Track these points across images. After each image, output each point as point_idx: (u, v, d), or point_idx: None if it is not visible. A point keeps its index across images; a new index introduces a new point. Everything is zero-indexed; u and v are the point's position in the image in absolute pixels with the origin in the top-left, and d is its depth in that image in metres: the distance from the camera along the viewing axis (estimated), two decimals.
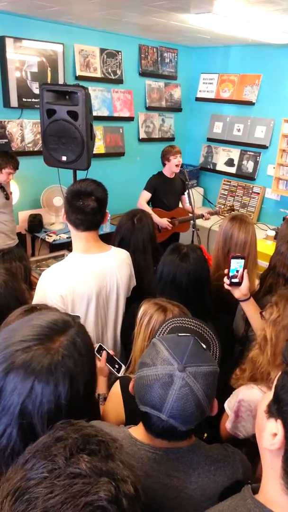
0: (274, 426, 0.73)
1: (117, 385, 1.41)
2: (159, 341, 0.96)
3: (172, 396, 0.86)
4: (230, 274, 1.75)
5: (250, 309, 1.78)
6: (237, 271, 1.75)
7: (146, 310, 1.45)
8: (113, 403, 1.39)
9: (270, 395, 0.78)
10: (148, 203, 4.12)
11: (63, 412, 0.80)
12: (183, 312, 1.43)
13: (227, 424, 1.40)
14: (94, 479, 0.54)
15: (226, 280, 1.76)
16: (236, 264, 1.74)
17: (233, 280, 1.75)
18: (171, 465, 0.97)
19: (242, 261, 1.75)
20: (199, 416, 0.90)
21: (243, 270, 1.75)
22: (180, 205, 4.24)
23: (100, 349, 1.66)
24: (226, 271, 1.76)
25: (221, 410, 1.48)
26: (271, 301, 1.48)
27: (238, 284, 1.75)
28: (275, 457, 0.74)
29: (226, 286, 1.77)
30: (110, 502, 0.53)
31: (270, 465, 0.76)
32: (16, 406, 0.75)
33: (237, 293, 1.77)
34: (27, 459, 0.58)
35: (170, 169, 4.03)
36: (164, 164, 4.06)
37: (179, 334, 1.00)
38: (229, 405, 1.42)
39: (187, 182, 3.93)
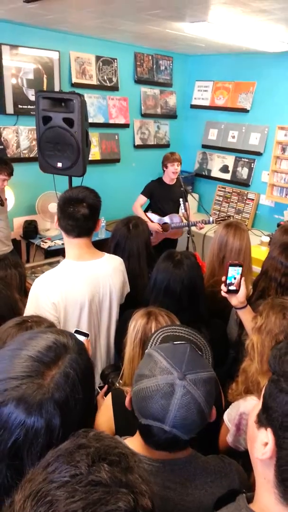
0: (265, 435, 0.73)
1: (109, 398, 1.40)
2: (155, 351, 0.95)
3: (174, 405, 0.85)
4: (228, 281, 1.75)
5: (246, 317, 1.78)
6: (235, 279, 1.75)
7: (133, 317, 1.45)
8: (105, 416, 1.38)
9: (259, 404, 0.78)
10: (147, 208, 4.14)
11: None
12: (170, 317, 1.42)
13: (228, 438, 1.38)
14: (114, 489, 0.55)
15: (223, 287, 1.76)
16: (234, 272, 1.75)
17: (230, 288, 1.75)
18: (168, 477, 0.96)
19: (240, 268, 1.75)
20: (201, 423, 0.89)
21: (241, 278, 1.75)
22: (180, 212, 4.23)
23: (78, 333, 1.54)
24: (223, 278, 1.76)
25: (218, 420, 1.48)
26: (258, 310, 1.49)
27: (235, 291, 1.75)
28: (267, 467, 0.73)
29: (223, 294, 1.77)
30: None
31: (263, 475, 0.75)
32: (6, 444, 0.74)
33: (234, 300, 1.77)
34: (49, 463, 0.58)
35: (169, 176, 4.06)
36: (163, 170, 4.09)
37: (175, 343, 0.99)
38: (229, 418, 1.41)
39: (182, 188, 3.95)
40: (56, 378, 0.79)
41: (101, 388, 1.67)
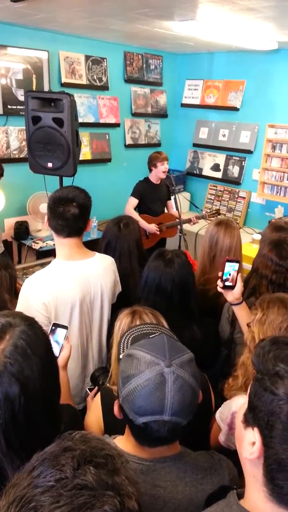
0: (252, 435, 0.73)
1: (98, 397, 1.40)
2: (134, 349, 0.95)
3: (169, 393, 0.87)
4: (224, 277, 1.76)
5: (242, 313, 1.79)
6: (230, 275, 1.76)
7: (118, 316, 1.45)
8: (95, 414, 1.38)
9: (245, 404, 0.78)
10: (135, 209, 4.13)
11: (20, 422, 0.81)
12: (154, 315, 1.42)
13: (221, 437, 1.39)
14: (99, 492, 0.54)
15: (219, 283, 1.76)
16: (230, 268, 1.76)
17: (227, 284, 1.76)
18: (158, 475, 0.96)
19: (237, 264, 1.76)
20: (196, 403, 0.92)
21: (237, 274, 1.76)
22: (166, 211, 4.26)
23: (56, 326, 1.53)
24: (220, 274, 1.77)
25: (210, 418, 1.48)
26: (255, 304, 1.50)
27: (232, 287, 1.76)
28: (255, 466, 0.74)
29: (219, 289, 1.78)
30: None
31: (252, 474, 0.75)
32: None
33: (230, 296, 1.78)
34: (35, 466, 0.58)
35: (157, 175, 4.05)
36: (150, 170, 4.07)
37: (150, 336, 1.01)
38: (222, 417, 1.41)
39: (173, 187, 3.95)
40: (4, 350, 0.84)
41: (91, 390, 1.66)
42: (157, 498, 0.95)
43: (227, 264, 1.75)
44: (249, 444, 0.73)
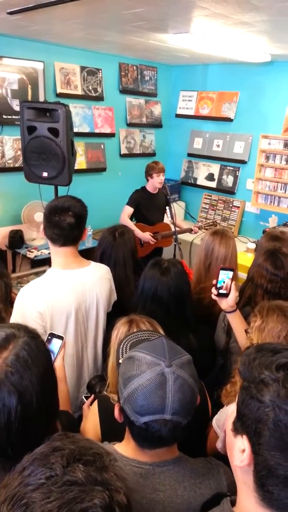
0: (241, 442, 0.74)
1: (95, 405, 1.40)
2: (135, 351, 0.97)
3: (170, 392, 0.89)
4: (218, 285, 1.77)
5: (236, 321, 1.79)
6: (224, 282, 1.77)
7: (115, 325, 1.46)
8: (92, 422, 1.38)
9: (234, 412, 0.79)
10: (131, 218, 4.14)
11: (15, 430, 0.82)
12: (151, 324, 1.43)
13: (218, 444, 1.39)
14: (89, 487, 0.56)
15: (213, 290, 1.77)
16: (224, 276, 1.77)
17: (221, 291, 1.77)
18: (158, 479, 0.97)
19: (231, 272, 1.77)
20: (195, 403, 0.95)
21: (231, 282, 1.77)
22: (166, 220, 4.26)
23: (52, 336, 1.55)
24: (214, 282, 1.78)
25: (207, 425, 1.48)
26: (254, 312, 1.50)
27: (226, 295, 1.77)
28: (246, 473, 0.74)
29: (213, 297, 1.79)
30: (104, 509, 0.55)
31: (243, 481, 0.76)
32: None
33: (224, 304, 1.79)
34: (25, 467, 0.59)
35: (153, 185, 4.08)
36: (147, 180, 4.11)
37: (150, 339, 1.03)
38: (218, 423, 1.41)
39: (168, 197, 3.97)
40: (6, 359, 0.87)
41: (87, 398, 1.65)
42: (157, 502, 0.95)
43: (221, 272, 1.77)
44: (239, 451, 0.74)
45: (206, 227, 4.19)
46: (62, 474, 0.57)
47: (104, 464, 0.61)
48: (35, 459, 0.60)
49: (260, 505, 0.73)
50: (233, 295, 1.77)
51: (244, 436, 0.74)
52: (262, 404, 0.71)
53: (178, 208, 4.97)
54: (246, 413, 0.74)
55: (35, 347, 0.92)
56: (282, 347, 0.77)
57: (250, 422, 0.72)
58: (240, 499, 0.78)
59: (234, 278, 2.02)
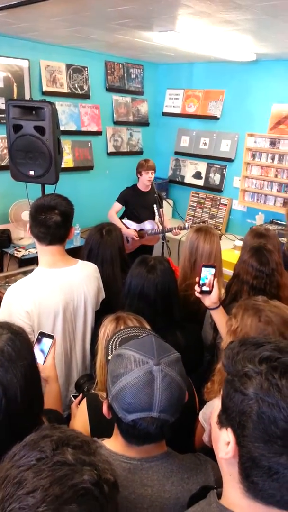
0: (226, 435, 0.75)
1: (83, 403, 1.40)
2: (124, 349, 0.98)
3: (158, 390, 0.90)
4: (201, 282, 1.79)
5: (219, 317, 1.82)
6: (207, 279, 1.79)
7: (103, 323, 1.46)
8: (81, 419, 1.38)
9: (219, 405, 0.80)
10: (123, 215, 4.16)
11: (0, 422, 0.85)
12: (138, 321, 1.44)
13: (205, 437, 1.40)
14: (78, 467, 0.60)
15: (196, 288, 1.79)
16: (207, 272, 1.79)
17: (204, 288, 1.79)
18: (146, 474, 0.98)
19: (213, 269, 1.79)
20: (182, 401, 0.96)
21: (214, 279, 1.79)
22: (157, 218, 4.25)
23: (43, 335, 1.55)
24: (197, 279, 1.79)
25: (195, 420, 1.49)
26: (232, 312, 1.51)
27: (208, 292, 1.79)
28: (231, 465, 0.76)
29: (196, 294, 1.81)
30: (93, 484, 0.59)
31: (228, 473, 0.78)
32: None
33: (207, 301, 1.81)
34: (16, 453, 0.62)
35: (143, 183, 4.09)
36: (138, 177, 4.12)
37: (139, 337, 1.04)
38: (205, 417, 1.43)
39: (156, 195, 3.98)
40: None
41: (75, 397, 1.66)
42: (145, 497, 0.96)
43: (204, 269, 1.79)
44: (224, 444, 0.75)
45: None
46: (52, 456, 0.60)
47: (91, 450, 0.64)
48: (25, 445, 0.63)
49: (245, 496, 0.74)
50: (216, 292, 1.79)
51: (229, 429, 0.75)
52: (245, 396, 0.72)
53: (165, 206, 4.97)
54: (230, 406, 0.75)
55: (19, 343, 0.95)
56: (264, 341, 0.79)
57: (234, 414, 0.74)
58: (225, 491, 0.80)
59: (218, 274, 2.04)
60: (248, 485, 0.73)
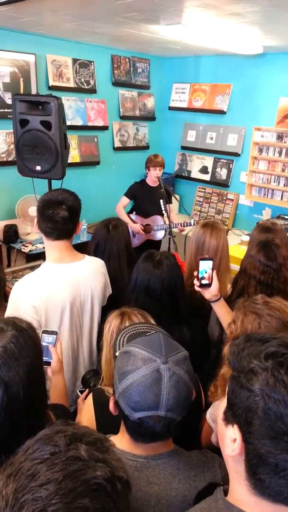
0: (232, 432, 0.75)
1: (90, 398, 1.41)
2: (131, 346, 0.97)
3: (165, 388, 0.89)
4: (200, 275, 1.78)
5: (221, 309, 1.81)
6: (206, 272, 1.78)
7: (107, 319, 1.46)
8: (87, 415, 1.38)
9: (225, 402, 0.79)
10: (131, 210, 4.15)
11: (1, 421, 0.86)
12: (143, 316, 1.43)
13: (213, 438, 1.40)
14: (91, 463, 0.60)
15: (196, 282, 1.79)
16: (205, 266, 1.78)
17: (203, 282, 1.78)
18: (152, 472, 0.98)
19: (211, 262, 1.79)
20: (190, 400, 0.95)
21: (212, 271, 1.78)
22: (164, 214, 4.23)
23: (46, 333, 1.56)
24: (195, 273, 1.79)
25: (201, 418, 1.49)
26: (233, 317, 1.47)
27: (208, 285, 1.79)
28: (237, 462, 0.76)
29: (196, 288, 1.80)
30: (106, 481, 0.59)
31: (235, 470, 0.77)
32: None
33: (208, 294, 1.80)
34: (29, 447, 0.62)
35: (151, 178, 4.08)
36: (147, 172, 4.11)
37: (147, 334, 1.03)
38: (213, 417, 1.42)
39: (162, 190, 3.97)
40: None
41: (81, 392, 1.67)
42: (151, 494, 0.96)
43: (201, 262, 1.78)
44: (230, 441, 0.75)
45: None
46: (65, 450, 0.60)
47: (104, 447, 0.64)
48: (39, 439, 0.63)
49: (252, 493, 0.74)
50: (216, 284, 1.78)
51: (235, 426, 0.75)
52: (251, 393, 0.72)
53: (172, 201, 4.96)
54: (236, 402, 0.74)
55: (23, 340, 0.96)
56: (270, 336, 0.78)
57: (241, 411, 0.73)
58: (232, 488, 0.79)
59: (225, 269, 2.02)
60: (255, 482, 0.73)
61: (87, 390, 1.63)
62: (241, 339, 0.80)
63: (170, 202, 4.11)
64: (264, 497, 0.73)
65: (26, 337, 0.98)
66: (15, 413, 0.89)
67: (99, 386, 1.48)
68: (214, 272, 1.79)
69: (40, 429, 0.89)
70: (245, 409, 0.72)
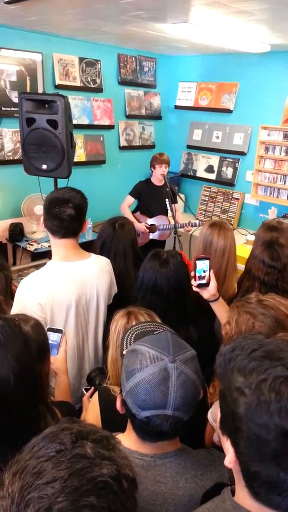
0: (227, 443, 0.75)
1: (95, 396, 1.41)
2: (139, 345, 0.97)
3: (173, 387, 0.89)
4: (197, 275, 1.77)
5: (220, 309, 1.81)
6: (204, 272, 1.77)
7: (114, 318, 1.46)
8: (92, 413, 1.38)
9: (219, 413, 0.79)
10: (136, 209, 4.15)
11: None
12: (150, 316, 1.43)
13: (215, 437, 1.39)
14: (97, 460, 0.59)
15: (193, 282, 1.78)
16: (203, 265, 1.77)
17: (201, 282, 1.77)
18: (159, 471, 0.97)
19: (208, 261, 1.77)
20: (197, 398, 0.95)
21: (210, 271, 1.77)
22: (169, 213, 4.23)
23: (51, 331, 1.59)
24: (192, 273, 1.78)
25: (204, 418, 1.49)
26: (228, 318, 1.45)
27: (206, 285, 1.77)
28: (236, 471, 0.76)
29: (194, 289, 1.79)
30: (112, 479, 0.58)
31: (236, 476, 0.77)
32: None
33: (206, 294, 1.79)
34: (35, 444, 0.62)
35: (156, 177, 4.06)
36: (152, 171, 4.10)
37: (154, 333, 1.03)
38: (214, 417, 1.41)
39: (168, 189, 3.96)
40: None
41: (87, 390, 1.67)
42: (158, 493, 0.96)
43: (198, 262, 1.76)
44: (227, 453, 0.75)
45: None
46: (71, 448, 0.60)
47: (110, 445, 0.64)
48: (45, 437, 0.63)
49: (253, 498, 0.74)
50: (213, 284, 1.77)
51: (228, 440, 0.74)
52: (237, 415, 0.71)
53: (178, 200, 4.95)
54: (226, 420, 0.74)
55: (9, 329, 1.00)
56: (257, 343, 0.76)
57: (230, 430, 0.73)
58: (237, 489, 0.79)
59: (232, 269, 2.00)
60: (254, 492, 0.72)
61: (92, 388, 1.63)
62: (227, 349, 0.79)
63: (175, 201, 4.07)
64: (265, 505, 0.72)
65: (13, 327, 1.02)
66: (7, 401, 0.92)
67: (104, 385, 1.48)
68: (212, 271, 1.78)
69: (35, 424, 0.93)
70: (233, 430, 0.72)
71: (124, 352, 1.03)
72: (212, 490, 0.89)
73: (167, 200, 3.71)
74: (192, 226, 3.97)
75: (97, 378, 1.66)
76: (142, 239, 4.08)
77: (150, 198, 4.11)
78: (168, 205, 3.75)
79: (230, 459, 0.73)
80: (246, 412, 0.69)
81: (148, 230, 4.08)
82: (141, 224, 4.05)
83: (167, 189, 3.78)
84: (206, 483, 0.99)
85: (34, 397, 1.02)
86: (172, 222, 3.94)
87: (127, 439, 1.00)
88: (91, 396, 1.55)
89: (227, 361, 0.76)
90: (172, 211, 3.75)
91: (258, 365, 0.71)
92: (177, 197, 4.07)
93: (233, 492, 0.81)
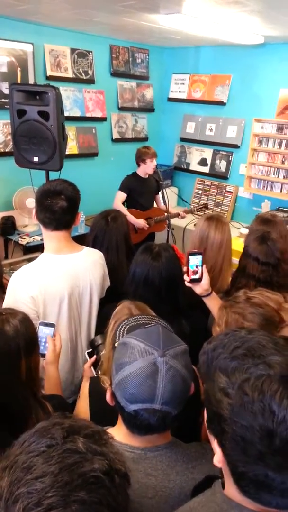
0: (214, 443, 0.75)
1: (86, 386, 1.41)
2: (130, 338, 0.96)
3: (161, 382, 0.88)
4: (190, 270, 1.76)
5: (213, 303, 1.80)
6: (197, 267, 1.77)
7: (116, 313, 1.44)
8: (83, 403, 1.38)
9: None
10: (124, 204, 4.12)
11: None
12: (147, 311, 1.42)
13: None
14: (89, 455, 0.59)
15: (186, 277, 1.77)
16: (195, 260, 1.76)
17: (193, 277, 1.76)
18: (150, 463, 0.97)
19: (200, 256, 1.77)
20: (187, 393, 0.94)
21: (202, 266, 1.77)
22: (155, 205, 4.26)
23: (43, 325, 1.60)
24: (185, 268, 1.77)
25: (200, 411, 1.49)
26: (217, 319, 1.44)
27: (199, 280, 1.77)
28: (225, 469, 0.75)
29: (187, 284, 1.78)
30: (104, 474, 0.58)
31: (225, 472, 0.77)
32: None
33: (198, 289, 1.79)
34: (25, 439, 0.61)
35: (145, 170, 4.04)
36: (138, 165, 4.07)
37: (146, 326, 1.02)
38: None
39: (161, 182, 3.95)
40: None
41: (89, 355, 1.63)
42: (148, 486, 0.96)
43: (191, 257, 1.76)
44: (215, 452, 0.74)
45: (198, 210, 4.17)
46: (62, 443, 0.59)
47: (102, 440, 0.64)
48: (36, 432, 0.62)
49: (243, 494, 0.73)
50: (206, 279, 1.76)
51: (215, 440, 0.74)
52: (222, 417, 0.70)
53: (171, 193, 4.94)
54: (212, 421, 0.74)
55: None
56: (240, 342, 0.75)
57: (216, 431, 0.73)
58: (227, 483, 0.79)
59: (228, 265, 1.99)
60: (242, 488, 0.72)
61: (94, 357, 1.60)
62: (210, 347, 0.78)
63: (157, 192, 4.15)
64: (255, 501, 0.72)
65: None
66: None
67: (99, 372, 1.47)
68: (205, 266, 1.77)
69: (20, 415, 0.95)
70: (219, 431, 0.71)
71: (116, 344, 1.03)
72: (203, 483, 0.89)
73: (159, 193, 3.71)
74: (187, 212, 4.04)
75: (102, 347, 1.62)
76: (141, 235, 4.06)
77: (139, 191, 4.10)
78: (160, 198, 3.74)
79: (218, 458, 0.73)
80: (230, 413, 0.69)
81: (148, 226, 4.06)
82: (140, 220, 4.02)
83: (160, 182, 3.77)
84: (197, 475, 0.99)
85: (15, 387, 1.02)
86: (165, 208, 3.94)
87: (118, 432, 1.00)
88: (92, 364, 1.55)
89: (210, 361, 0.75)
90: (165, 202, 3.75)
91: (240, 364, 0.71)
92: (168, 189, 4.10)
93: (223, 485, 0.81)
